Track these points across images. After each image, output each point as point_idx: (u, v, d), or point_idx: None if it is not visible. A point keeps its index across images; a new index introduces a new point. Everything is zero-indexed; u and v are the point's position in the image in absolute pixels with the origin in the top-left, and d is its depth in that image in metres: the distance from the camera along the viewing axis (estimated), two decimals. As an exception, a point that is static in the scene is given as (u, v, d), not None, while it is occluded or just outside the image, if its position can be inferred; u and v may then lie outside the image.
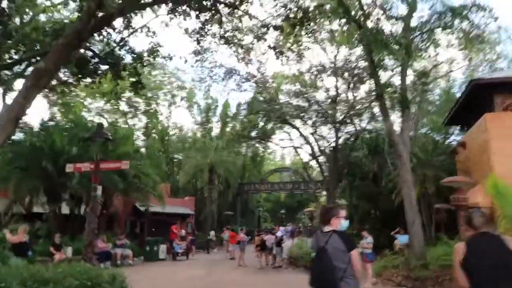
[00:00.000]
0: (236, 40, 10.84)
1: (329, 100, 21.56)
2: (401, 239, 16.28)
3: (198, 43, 10.61)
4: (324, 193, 32.42)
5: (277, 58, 10.59)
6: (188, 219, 30.16)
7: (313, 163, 31.92)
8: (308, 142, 22.73)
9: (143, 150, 28.80)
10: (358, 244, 12.64)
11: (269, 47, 10.42)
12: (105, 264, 17.10)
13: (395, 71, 13.84)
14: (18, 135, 18.87)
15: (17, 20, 14.73)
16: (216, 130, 41.55)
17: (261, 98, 22.76)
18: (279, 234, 18.11)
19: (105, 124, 27.03)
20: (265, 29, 9.86)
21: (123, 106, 37.70)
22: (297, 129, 22.34)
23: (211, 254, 25.90)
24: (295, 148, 27.01)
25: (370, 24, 12.31)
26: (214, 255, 25.76)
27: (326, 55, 21.25)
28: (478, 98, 14.19)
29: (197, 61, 23.46)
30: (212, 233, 28.15)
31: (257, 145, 42.34)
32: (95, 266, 8.19)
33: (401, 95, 12.34)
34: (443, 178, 15.27)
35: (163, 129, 40.72)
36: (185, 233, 24.27)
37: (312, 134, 23.69)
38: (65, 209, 19.80)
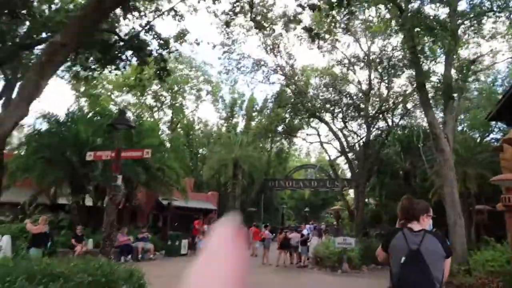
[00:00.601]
0: (267, 23, 10.08)
1: (360, 94, 20.58)
2: (438, 242, 15.26)
3: (228, 26, 9.93)
4: (351, 191, 31.40)
5: (312, 41, 9.81)
6: (210, 214, 29.71)
7: (340, 160, 30.98)
8: (337, 137, 21.78)
9: (167, 144, 28.47)
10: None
11: (305, 28, 9.61)
12: (126, 258, 16.76)
13: (436, 60, 12.77)
14: (43, 125, 18.76)
15: (45, 8, 14.46)
16: (241, 125, 41.11)
17: (289, 91, 21.95)
18: (305, 232, 17.30)
19: (131, 117, 26.85)
20: (301, 9, 9.12)
21: (149, 100, 37.65)
22: (326, 123, 21.44)
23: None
24: (322, 144, 26.03)
25: (411, 8, 11.37)
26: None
27: (359, 46, 20.28)
28: (529, 90, 12.95)
29: (224, 52, 23.07)
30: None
31: (283, 141, 41.70)
32: (112, 261, 7.64)
33: (446, 84, 11.30)
34: (485, 177, 14.14)
35: (188, 123, 40.47)
36: (207, 228, 23.82)
37: (341, 129, 22.74)
38: (89, 201, 19.61)
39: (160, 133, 27.00)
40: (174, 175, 20.95)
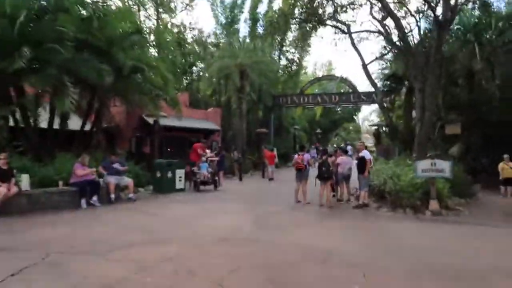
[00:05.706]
0: None
1: None
2: None
3: None
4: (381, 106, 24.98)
5: None
6: (213, 136, 23.61)
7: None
8: (393, 16, 14.92)
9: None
10: None
11: None
12: (89, 200, 10.83)
13: None
14: None
15: None
16: (244, 31, 33.42)
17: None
18: (367, 155, 11.13)
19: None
20: None
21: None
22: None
23: (245, 181, 19.57)
24: (352, 40, 18.89)
25: None
26: (249, 181, 19.49)
27: None
28: None
29: None
30: (235, 153, 21.35)
31: (293, 50, 34.41)
32: None
33: None
34: None
35: (179, 29, 32.51)
36: (210, 154, 17.79)
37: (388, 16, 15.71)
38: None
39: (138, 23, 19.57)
40: (159, 79, 14.42)
